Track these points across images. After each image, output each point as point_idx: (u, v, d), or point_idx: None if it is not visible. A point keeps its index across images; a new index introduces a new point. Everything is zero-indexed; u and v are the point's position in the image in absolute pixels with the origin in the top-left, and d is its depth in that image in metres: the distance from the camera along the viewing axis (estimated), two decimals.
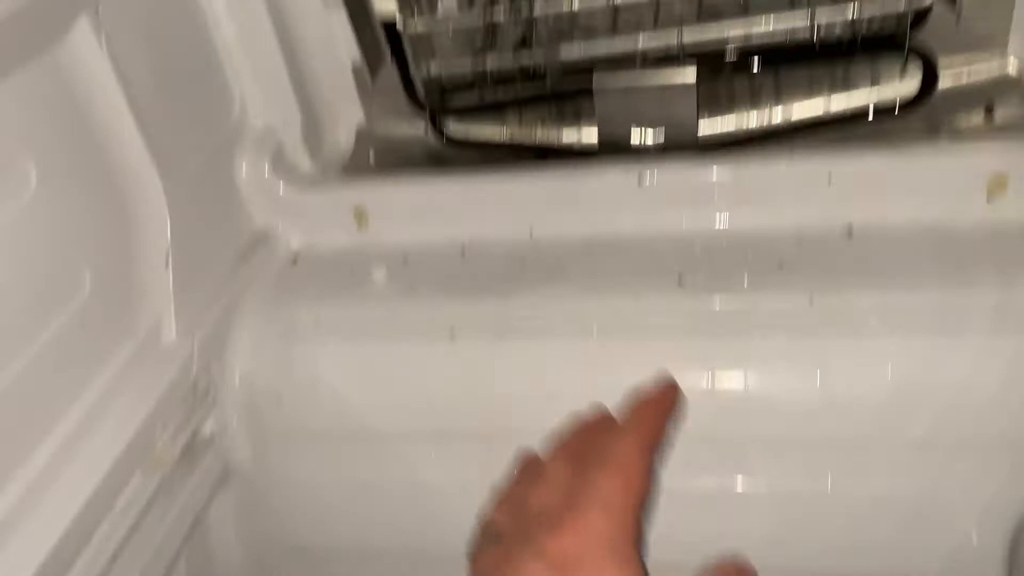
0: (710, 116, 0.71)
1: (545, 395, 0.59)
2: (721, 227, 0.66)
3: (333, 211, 0.73)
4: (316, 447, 0.67)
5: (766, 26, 0.63)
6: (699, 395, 0.58)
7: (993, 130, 0.63)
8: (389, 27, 0.70)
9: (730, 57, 0.67)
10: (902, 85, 0.66)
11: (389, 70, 0.74)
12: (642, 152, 0.69)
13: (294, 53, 0.73)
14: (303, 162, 0.76)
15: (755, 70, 0.68)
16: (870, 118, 0.67)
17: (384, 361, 0.65)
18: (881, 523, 0.58)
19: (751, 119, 0.70)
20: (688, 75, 0.65)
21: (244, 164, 0.73)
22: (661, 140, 0.68)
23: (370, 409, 0.65)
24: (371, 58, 0.74)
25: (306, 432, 0.67)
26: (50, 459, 0.53)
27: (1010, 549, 0.56)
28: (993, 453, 0.56)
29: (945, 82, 0.65)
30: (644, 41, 0.65)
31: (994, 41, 0.64)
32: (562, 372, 0.61)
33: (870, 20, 0.63)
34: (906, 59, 0.64)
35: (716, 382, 0.59)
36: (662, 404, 0.42)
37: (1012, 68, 0.64)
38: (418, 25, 0.68)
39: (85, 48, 0.56)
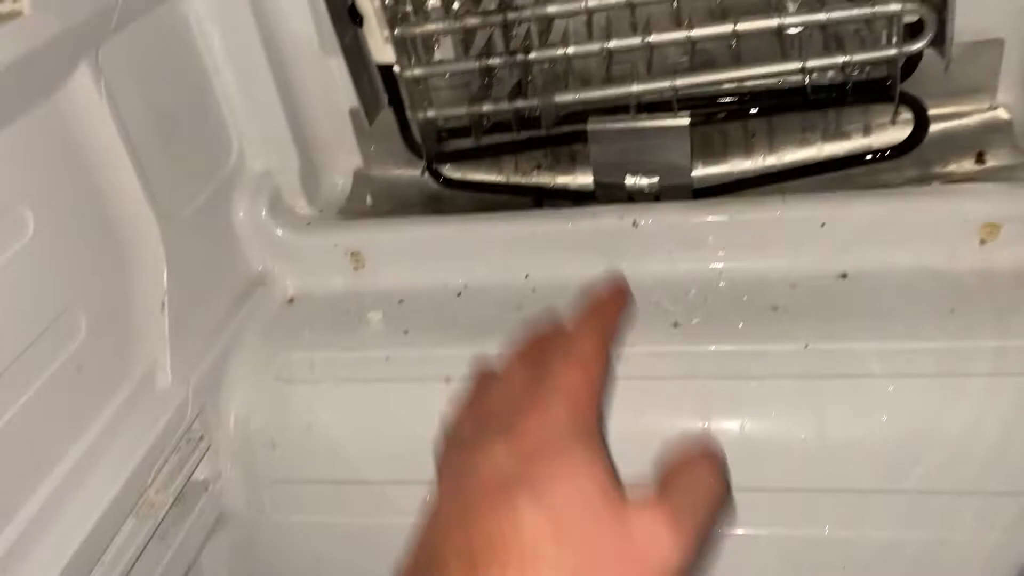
0: (704, 162, 0.71)
1: None
2: (716, 271, 0.66)
3: (330, 254, 0.74)
4: (311, 492, 0.66)
5: (758, 74, 0.64)
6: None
7: (985, 176, 0.64)
8: (386, 73, 0.71)
9: (723, 104, 0.68)
10: (894, 131, 0.67)
11: (386, 114, 0.75)
12: (637, 196, 0.69)
13: (292, 98, 0.74)
14: (300, 205, 0.76)
15: (748, 117, 0.69)
16: (863, 163, 0.67)
17: (379, 405, 0.65)
18: (881, 571, 0.57)
19: (745, 165, 0.71)
20: (682, 121, 0.66)
21: (241, 207, 0.73)
22: (656, 184, 0.69)
23: (365, 453, 0.65)
24: (368, 103, 0.75)
25: (301, 477, 0.66)
26: (44, 504, 0.53)
27: None
28: (995, 499, 0.55)
29: (936, 128, 0.66)
30: (638, 88, 0.65)
31: (984, 88, 0.65)
32: None
33: (861, 67, 0.64)
34: (897, 105, 0.65)
35: (712, 425, 0.59)
36: (614, 302, 0.44)
37: (1003, 113, 0.65)
38: (415, 70, 0.69)
39: (84, 94, 0.56)
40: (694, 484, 0.35)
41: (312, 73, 0.74)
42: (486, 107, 0.70)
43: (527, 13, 0.66)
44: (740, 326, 0.61)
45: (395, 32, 0.67)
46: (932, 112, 0.66)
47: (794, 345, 0.59)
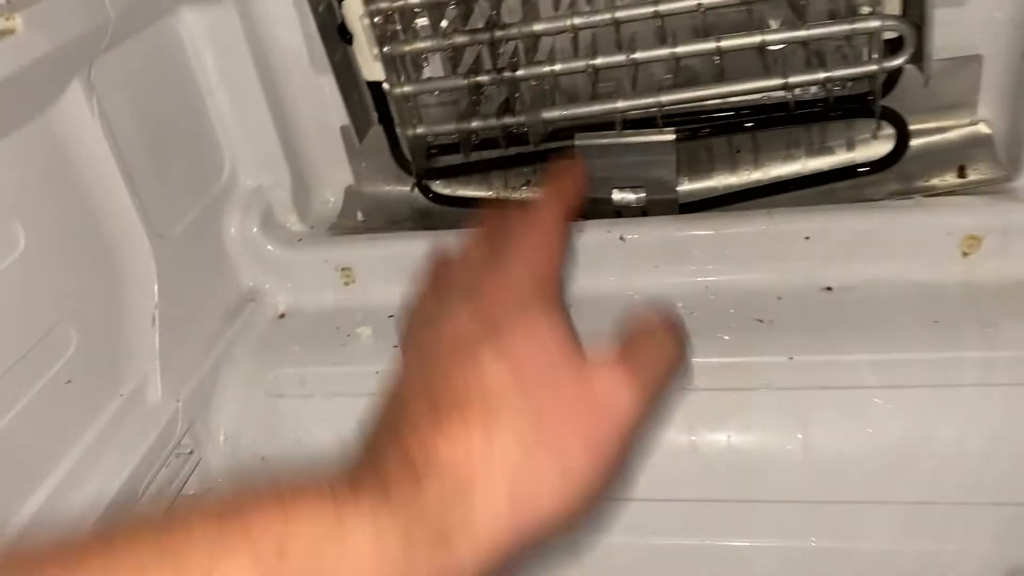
0: (691, 177, 0.72)
1: None
2: (702, 284, 0.66)
3: (320, 270, 0.74)
4: None
5: (742, 90, 0.65)
6: (682, 452, 0.58)
7: (967, 189, 0.65)
8: (376, 90, 0.72)
9: (708, 120, 0.69)
10: (877, 146, 0.68)
11: (377, 131, 0.76)
12: (624, 211, 0.70)
13: (283, 115, 0.74)
14: (292, 221, 0.77)
15: (733, 133, 0.70)
16: (846, 178, 0.68)
17: None
18: None
19: (730, 180, 0.72)
20: (667, 137, 0.67)
21: (233, 223, 0.74)
22: (643, 199, 0.69)
23: None
24: (359, 120, 0.76)
25: None
26: (33, 517, 0.53)
27: None
28: (983, 509, 0.56)
29: (918, 143, 0.67)
30: (623, 104, 0.66)
31: (964, 103, 0.66)
32: None
33: (843, 82, 0.65)
34: (878, 121, 0.66)
35: (698, 438, 0.59)
36: (571, 177, 0.43)
37: (983, 128, 0.66)
38: (404, 88, 0.70)
39: (77, 111, 0.57)
40: (653, 348, 0.36)
41: (303, 91, 0.74)
42: (475, 124, 0.71)
43: (514, 31, 0.67)
44: (726, 339, 0.62)
45: (384, 50, 0.68)
46: (914, 127, 0.67)
47: (779, 357, 0.60)
